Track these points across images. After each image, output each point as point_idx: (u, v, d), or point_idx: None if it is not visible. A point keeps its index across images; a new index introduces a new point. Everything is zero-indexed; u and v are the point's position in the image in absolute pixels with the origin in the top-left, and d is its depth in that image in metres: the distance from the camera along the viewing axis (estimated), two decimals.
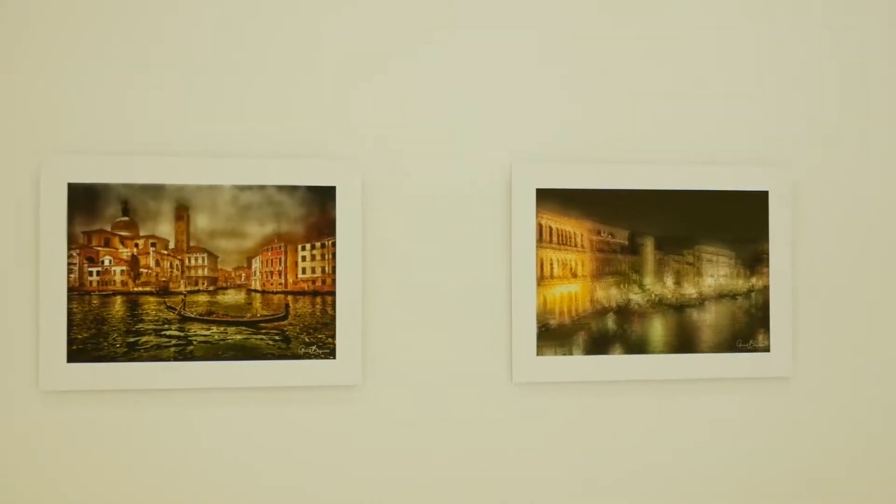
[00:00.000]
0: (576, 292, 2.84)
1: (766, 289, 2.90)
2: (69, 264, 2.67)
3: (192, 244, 2.71)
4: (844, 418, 2.98)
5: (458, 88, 2.82)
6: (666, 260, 2.87)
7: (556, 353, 2.82)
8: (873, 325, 2.98)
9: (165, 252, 2.70)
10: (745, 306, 2.89)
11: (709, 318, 2.88)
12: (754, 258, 2.90)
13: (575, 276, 2.84)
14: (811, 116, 2.97)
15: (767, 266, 2.90)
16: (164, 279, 2.70)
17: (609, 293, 2.85)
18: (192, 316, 2.71)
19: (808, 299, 2.95)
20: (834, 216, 2.97)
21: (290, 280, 2.74)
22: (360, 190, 2.74)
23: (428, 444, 2.81)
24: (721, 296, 2.89)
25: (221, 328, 2.71)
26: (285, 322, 2.74)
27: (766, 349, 2.89)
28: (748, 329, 2.89)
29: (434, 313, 2.80)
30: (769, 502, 2.93)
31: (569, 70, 2.87)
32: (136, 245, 2.69)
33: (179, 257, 2.70)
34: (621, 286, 2.86)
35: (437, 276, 2.81)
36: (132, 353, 2.67)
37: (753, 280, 2.90)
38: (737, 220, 2.89)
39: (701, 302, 2.88)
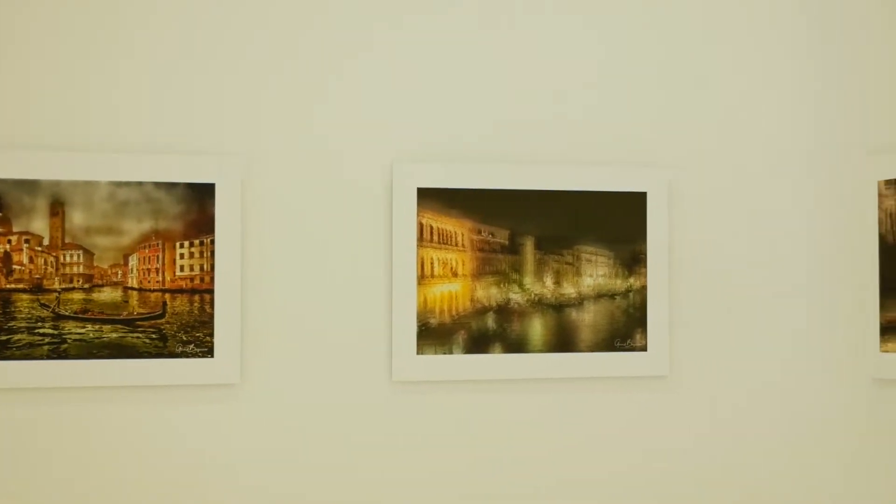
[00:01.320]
0: (456, 291, 2.85)
1: (643, 289, 2.93)
2: None
3: (67, 241, 2.67)
4: (719, 416, 3.02)
5: (339, 87, 2.82)
6: (546, 260, 2.89)
7: (436, 352, 2.83)
8: (746, 324, 3.03)
9: (39, 248, 2.67)
10: (624, 306, 2.92)
11: (587, 318, 2.91)
12: (633, 258, 2.93)
13: (455, 275, 2.85)
14: (688, 118, 3.01)
15: (645, 266, 2.93)
16: (37, 276, 2.67)
17: (489, 292, 2.87)
18: (67, 314, 2.68)
19: (684, 299, 2.99)
20: (709, 217, 3.01)
21: (168, 278, 2.72)
22: (240, 187, 2.73)
23: (307, 442, 2.80)
24: (600, 295, 2.92)
25: (97, 326, 2.68)
26: (162, 320, 2.72)
27: (644, 348, 2.93)
28: (626, 328, 2.92)
29: (314, 312, 2.80)
30: (647, 497, 2.96)
31: (450, 70, 2.88)
32: (9, 241, 2.65)
33: (54, 254, 2.67)
34: (501, 285, 2.87)
35: (318, 274, 2.80)
36: (4, 351, 2.63)
37: (631, 280, 2.93)
38: (616, 221, 2.92)
39: (580, 301, 2.90)
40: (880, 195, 2.80)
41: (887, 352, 2.78)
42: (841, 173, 2.96)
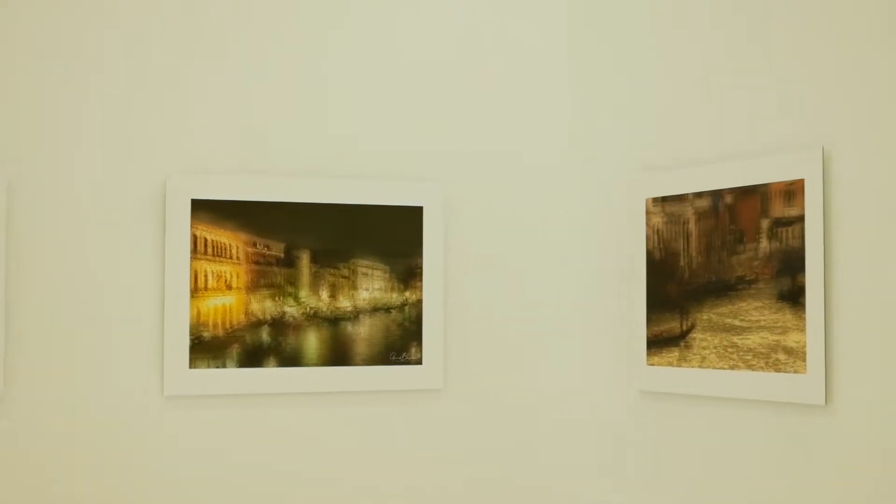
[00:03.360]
0: (230, 304, 2.84)
1: (419, 302, 2.94)
2: None
3: None
4: (494, 428, 3.04)
5: (112, 97, 2.80)
6: (321, 273, 2.89)
7: (209, 366, 2.81)
8: (520, 338, 3.06)
9: None
10: (399, 319, 2.93)
11: (363, 331, 2.91)
12: (409, 272, 2.94)
13: (230, 288, 2.83)
14: (464, 134, 3.04)
15: (421, 280, 2.94)
16: None
17: (264, 305, 2.86)
18: None
19: (459, 313, 3.00)
20: (484, 232, 3.04)
21: None
22: (6, 196, 2.69)
23: (76, 457, 2.75)
24: (375, 309, 2.92)
25: None
26: None
27: (419, 362, 2.94)
28: (402, 342, 2.93)
29: (84, 325, 2.76)
30: None
31: (225, 82, 2.88)
32: None
33: None
34: (276, 299, 2.87)
35: (88, 286, 2.77)
36: None
37: (407, 294, 2.94)
38: (392, 235, 2.93)
39: (356, 315, 2.91)
40: (648, 212, 2.85)
41: (653, 365, 2.81)
42: (613, 190, 3.01)
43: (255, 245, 2.84)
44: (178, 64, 2.85)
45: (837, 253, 2.42)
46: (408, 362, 2.92)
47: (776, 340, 2.53)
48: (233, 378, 2.83)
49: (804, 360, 2.46)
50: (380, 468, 2.94)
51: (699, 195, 2.73)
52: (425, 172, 2.99)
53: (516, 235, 3.06)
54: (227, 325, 2.82)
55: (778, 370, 2.52)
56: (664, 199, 2.81)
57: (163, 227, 2.80)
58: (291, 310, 2.87)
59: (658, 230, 2.83)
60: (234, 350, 2.82)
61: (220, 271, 2.82)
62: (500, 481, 3.03)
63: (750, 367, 2.58)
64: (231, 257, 2.83)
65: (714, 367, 2.67)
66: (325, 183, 2.87)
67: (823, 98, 2.47)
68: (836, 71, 2.44)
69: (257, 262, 2.85)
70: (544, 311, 3.08)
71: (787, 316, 2.51)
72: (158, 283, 2.80)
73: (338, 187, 2.88)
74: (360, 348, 2.90)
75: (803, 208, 2.48)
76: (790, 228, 2.50)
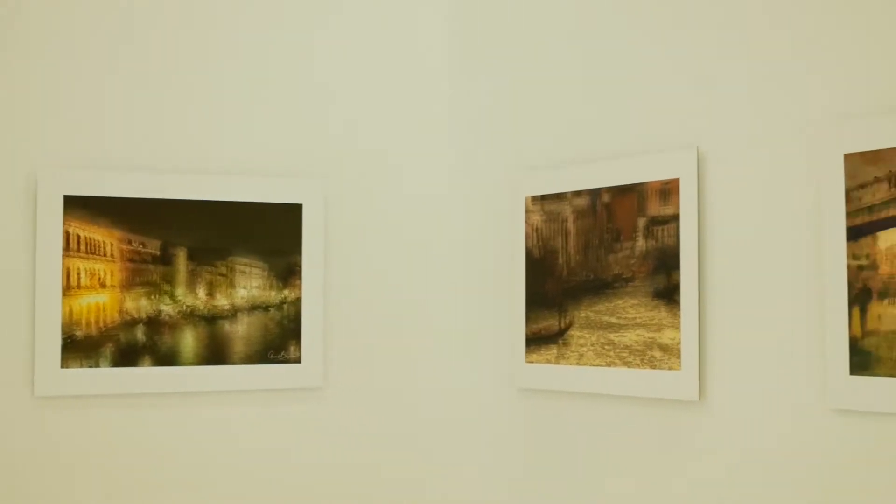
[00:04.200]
0: (104, 303, 2.78)
1: (298, 301, 2.92)
2: None
3: None
4: (374, 425, 3.03)
5: None
6: (199, 271, 2.84)
7: (82, 366, 2.75)
8: (401, 336, 3.06)
9: None
10: (278, 318, 2.90)
11: (241, 330, 2.87)
12: (288, 270, 2.91)
13: (104, 286, 2.77)
14: (343, 131, 3.03)
15: (300, 278, 2.92)
16: None
17: (139, 304, 2.80)
18: None
19: (339, 311, 2.99)
20: (365, 230, 3.03)
21: None
22: None
23: None
24: (254, 307, 2.89)
25: None
26: None
27: (298, 360, 2.91)
28: (280, 340, 2.90)
29: None
30: None
31: (99, 76, 2.81)
32: None
33: None
34: (152, 297, 2.81)
35: None
36: None
37: (286, 292, 2.91)
38: (271, 232, 2.90)
39: (234, 313, 2.87)
40: (527, 210, 2.86)
41: (532, 362, 2.83)
42: (493, 188, 3.02)
43: (129, 242, 2.79)
44: (49, 57, 2.78)
45: (711, 251, 2.46)
46: (286, 361, 2.89)
47: (652, 338, 2.56)
48: (107, 378, 2.77)
49: (679, 357, 2.49)
50: (258, 468, 2.90)
51: (577, 194, 2.75)
52: (305, 170, 2.96)
53: (397, 234, 3.06)
54: (101, 324, 2.76)
55: (653, 367, 2.55)
56: (543, 198, 2.83)
57: (34, 224, 2.73)
58: (167, 308, 2.82)
59: (537, 228, 2.85)
60: (108, 349, 2.77)
61: (94, 269, 2.76)
62: (380, 480, 3.02)
63: (626, 364, 2.61)
64: (105, 255, 2.77)
65: (591, 365, 2.69)
66: (202, 180, 2.83)
67: (698, 99, 2.51)
68: (711, 73, 2.49)
69: (132, 260, 2.80)
70: (425, 309, 3.08)
71: (662, 313, 2.54)
72: (29, 281, 2.74)
73: (216, 184, 2.84)
74: (238, 347, 2.86)
75: (678, 207, 2.51)
76: (666, 227, 2.54)
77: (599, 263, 2.69)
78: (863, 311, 2.17)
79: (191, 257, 2.83)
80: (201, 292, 2.84)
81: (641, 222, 2.59)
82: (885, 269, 2.13)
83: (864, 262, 2.17)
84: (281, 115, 2.96)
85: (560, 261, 2.79)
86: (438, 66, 3.13)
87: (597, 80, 2.75)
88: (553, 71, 2.87)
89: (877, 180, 2.16)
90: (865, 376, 2.16)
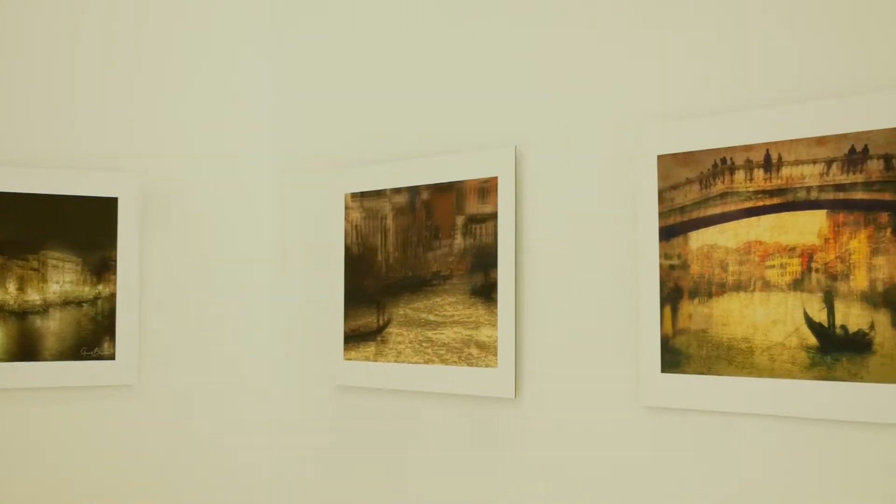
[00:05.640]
0: None
1: (113, 296, 2.85)
2: None
3: None
4: (187, 425, 2.99)
5: None
6: (9, 265, 2.76)
7: None
8: (217, 333, 3.03)
9: None
10: (92, 313, 2.83)
11: (53, 326, 2.79)
12: (102, 265, 2.85)
13: None
14: (164, 124, 2.98)
15: (115, 273, 2.85)
16: None
17: None
18: None
19: (155, 307, 2.94)
20: (183, 225, 2.99)
21: None
22: None
23: None
24: (67, 303, 2.81)
25: None
26: None
27: (112, 357, 2.85)
28: (94, 337, 2.83)
29: None
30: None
31: None
32: None
33: None
34: None
35: None
36: None
37: (101, 287, 2.84)
38: (85, 226, 2.83)
39: (45, 308, 2.79)
40: (347, 207, 2.86)
41: (351, 360, 2.83)
42: (312, 185, 3.01)
43: None
44: None
45: (528, 250, 2.50)
46: (100, 357, 2.82)
47: (469, 335, 2.58)
48: None
49: (495, 355, 2.52)
50: (69, 467, 2.83)
51: (397, 191, 2.76)
52: (121, 164, 2.90)
53: (215, 230, 3.02)
54: None
55: (471, 364, 2.57)
56: (363, 195, 2.84)
57: None
58: None
59: (356, 225, 2.85)
60: None
61: None
62: (193, 479, 2.98)
63: (444, 361, 2.63)
64: None
65: (410, 362, 2.71)
66: (13, 172, 2.75)
67: (516, 99, 2.54)
68: (529, 73, 2.52)
69: None
70: (243, 306, 3.06)
71: (479, 311, 2.57)
72: None
73: (28, 176, 2.76)
74: (50, 343, 2.78)
75: (496, 206, 2.54)
76: (484, 225, 2.57)
77: (418, 261, 2.71)
78: (674, 311, 2.23)
79: (1, 251, 2.74)
80: (11, 287, 2.75)
81: (460, 220, 2.61)
82: (695, 268, 2.19)
83: (675, 261, 2.22)
84: (98, 107, 2.89)
85: (379, 258, 2.79)
86: (259, 62, 3.11)
87: (417, 78, 2.77)
88: (374, 70, 2.87)
89: (688, 181, 2.22)
90: (676, 374, 2.22)
